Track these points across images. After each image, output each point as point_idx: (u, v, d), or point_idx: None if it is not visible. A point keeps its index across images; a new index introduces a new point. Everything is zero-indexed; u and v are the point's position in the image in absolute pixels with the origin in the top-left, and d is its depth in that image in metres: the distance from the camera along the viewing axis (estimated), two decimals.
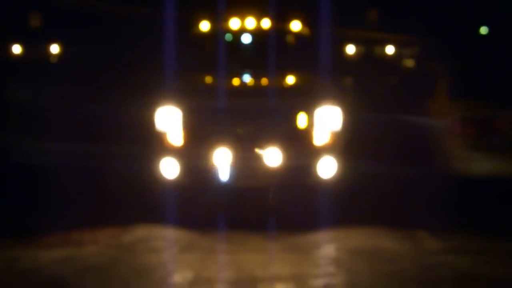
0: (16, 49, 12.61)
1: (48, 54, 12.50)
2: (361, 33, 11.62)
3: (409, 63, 11.56)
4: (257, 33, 6.68)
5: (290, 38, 6.79)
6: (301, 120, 5.89)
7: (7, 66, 11.96)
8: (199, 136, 5.86)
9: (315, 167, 5.85)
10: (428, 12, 10.71)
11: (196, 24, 6.67)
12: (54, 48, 12.51)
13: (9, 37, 12.44)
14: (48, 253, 5.09)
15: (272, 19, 6.64)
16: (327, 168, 5.88)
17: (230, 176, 5.79)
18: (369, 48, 11.90)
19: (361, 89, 9.02)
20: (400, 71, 11.46)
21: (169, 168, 5.87)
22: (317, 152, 5.87)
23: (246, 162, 5.80)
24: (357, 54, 11.76)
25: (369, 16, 12.14)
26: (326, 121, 5.90)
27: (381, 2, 11.93)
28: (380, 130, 7.85)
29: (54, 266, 4.84)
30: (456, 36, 10.44)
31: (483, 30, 12.12)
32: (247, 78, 6.49)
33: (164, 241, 5.54)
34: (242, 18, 6.66)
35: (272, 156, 5.79)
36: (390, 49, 11.89)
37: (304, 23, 6.77)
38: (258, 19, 6.66)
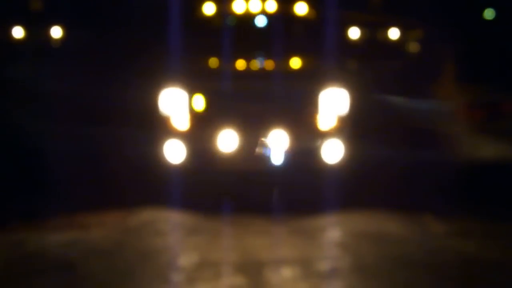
0: (18, 32, 12.52)
1: (50, 37, 12.41)
2: (366, 16, 11.54)
3: (414, 46, 11.49)
4: (263, 16, 6.63)
5: (295, 21, 6.74)
6: (308, 103, 5.87)
7: (9, 49, 11.89)
8: (205, 119, 5.84)
9: (321, 151, 5.84)
10: None
11: (201, 6, 6.62)
12: (56, 32, 12.42)
13: (10, 20, 12.35)
14: (53, 236, 5.09)
15: (278, 1, 6.59)
16: (333, 151, 5.86)
17: (236, 160, 5.78)
18: (373, 32, 11.82)
19: (366, 72, 8.97)
20: (405, 54, 11.40)
21: (175, 151, 5.86)
22: (323, 135, 5.85)
23: (252, 145, 5.78)
24: (361, 37, 11.68)
25: None
26: (332, 104, 5.88)
27: None
28: (386, 114, 7.81)
29: (59, 249, 4.84)
30: (462, 19, 10.34)
31: (490, 12, 12.01)
32: (253, 61, 6.45)
33: (170, 225, 5.54)
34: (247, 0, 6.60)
35: (278, 140, 5.78)
36: (394, 33, 11.81)
37: (310, 5, 6.71)
38: (264, 1, 6.60)
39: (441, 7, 9.84)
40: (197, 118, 5.86)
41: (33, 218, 5.50)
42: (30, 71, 10.26)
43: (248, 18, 6.61)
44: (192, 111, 5.87)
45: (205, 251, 4.84)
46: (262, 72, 6.34)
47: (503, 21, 11.56)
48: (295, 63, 6.50)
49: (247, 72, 6.35)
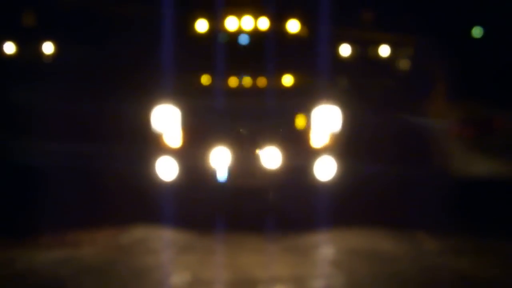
0: (9, 48, 12.50)
1: (41, 53, 12.41)
2: (356, 33, 11.63)
3: (405, 63, 11.59)
4: (255, 33, 6.66)
5: (287, 38, 6.77)
6: (300, 120, 5.88)
7: (1, 66, 11.87)
8: (197, 136, 5.84)
9: (314, 168, 5.84)
10: (423, 12, 10.73)
11: (194, 23, 6.64)
12: (48, 47, 12.41)
13: (1, 36, 12.34)
14: (45, 254, 5.04)
15: (269, 18, 6.62)
16: (326, 168, 5.87)
17: (229, 177, 5.76)
18: (364, 48, 11.91)
19: (357, 89, 9.03)
20: (396, 71, 11.49)
21: (167, 168, 5.84)
22: (316, 152, 5.85)
23: (244, 162, 5.78)
24: (352, 54, 11.76)
25: (364, 16, 12.15)
26: (325, 121, 5.89)
27: (375, 2, 11.94)
28: (378, 131, 7.85)
29: (51, 267, 4.80)
30: (451, 36, 10.47)
31: (478, 31, 12.17)
32: (245, 78, 6.46)
33: (162, 242, 5.51)
34: (240, 17, 6.64)
35: (271, 156, 5.78)
36: (385, 49, 11.91)
37: (302, 22, 6.75)
38: (256, 18, 6.64)
39: (430, 25, 9.95)
40: (189, 135, 5.85)
41: (24, 235, 5.45)
42: (22, 87, 10.23)
43: (241, 35, 6.63)
44: (184, 128, 5.86)
45: (198, 269, 4.81)
46: (255, 89, 6.35)
47: (491, 39, 11.72)
48: (288, 80, 6.52)
49: (240, 89, 6.37)
